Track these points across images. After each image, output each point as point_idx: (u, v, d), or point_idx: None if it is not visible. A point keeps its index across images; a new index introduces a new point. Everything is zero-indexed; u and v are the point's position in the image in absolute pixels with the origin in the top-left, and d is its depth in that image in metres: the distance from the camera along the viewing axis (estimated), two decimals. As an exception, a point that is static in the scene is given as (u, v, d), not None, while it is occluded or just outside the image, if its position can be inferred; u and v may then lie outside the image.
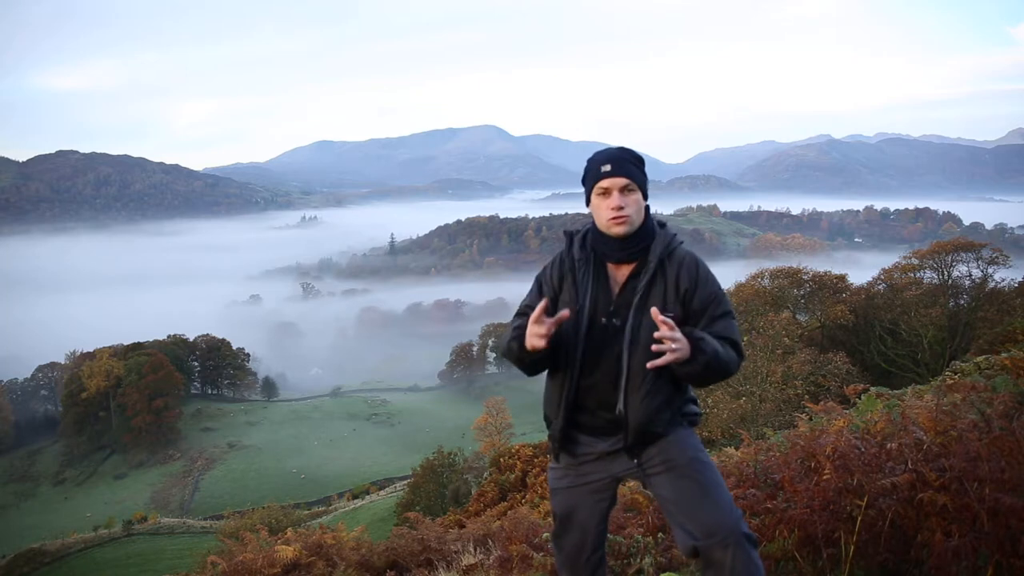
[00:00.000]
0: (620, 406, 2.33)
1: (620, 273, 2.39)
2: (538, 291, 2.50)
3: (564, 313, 2.27)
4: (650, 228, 2.39)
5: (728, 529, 2.24)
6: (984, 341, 16.57)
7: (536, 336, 2.24)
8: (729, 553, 2.23)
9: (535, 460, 20.40)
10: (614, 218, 2.32)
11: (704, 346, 2.19)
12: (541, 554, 4.28)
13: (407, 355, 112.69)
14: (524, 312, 2.49)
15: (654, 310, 2.19)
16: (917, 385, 7.86)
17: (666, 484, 2.36)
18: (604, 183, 2.34)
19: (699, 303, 2.31)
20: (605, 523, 2.56)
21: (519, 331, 2.34)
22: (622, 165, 2.33)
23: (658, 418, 2.33)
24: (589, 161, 2.42)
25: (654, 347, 2.19)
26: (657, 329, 2.25)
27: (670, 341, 2.15)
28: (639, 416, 2.32)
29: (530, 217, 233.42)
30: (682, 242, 2.42)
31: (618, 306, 2.35)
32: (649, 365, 2.20)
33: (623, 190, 2.33)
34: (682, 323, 2.31)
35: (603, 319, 2.35)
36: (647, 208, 2.41)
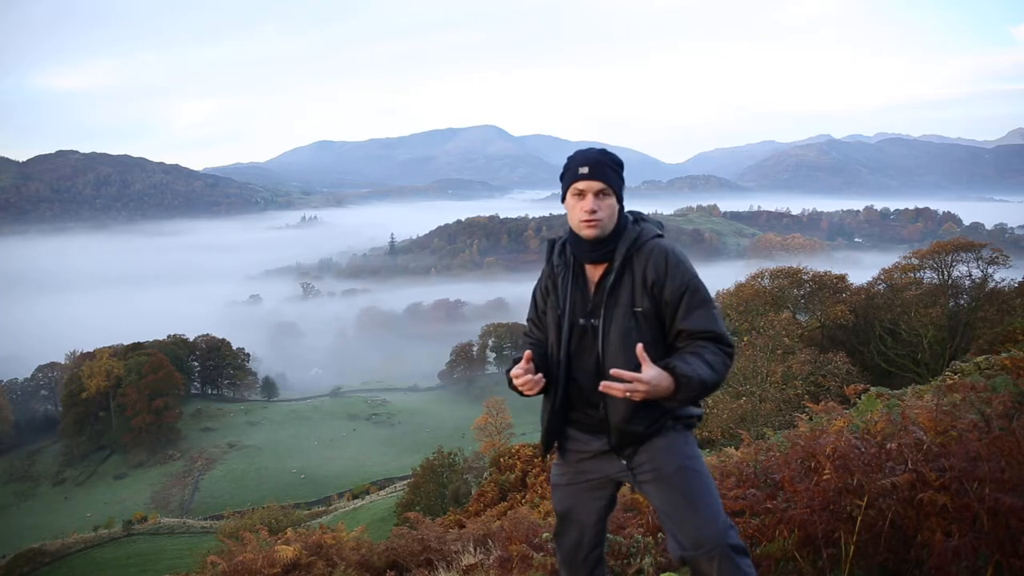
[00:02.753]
0: (601, 406, 2.36)
1: (595, 273, 2.41)
2: (533, 304, 2.59)
3: (527, 354, 2.34)
4: (622, 228, 2.39)
5: (714, 541, 2.24)
6: (984, 341, 16.58)
7: (523, 385, 2.33)
8: (715, 565, 2.23)
9: (535, 460, 20.39)
10: (586, 221, 2.33)
11: (687, 384, 2.14)
12: (541, 554, 4.28)
13: (407, 355, 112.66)
14: (527, 329, 2.62)
15: (639, 347, 2.16)
16: (917, 385, 7.86)
17: (655, 493, 2.37)
18: (580, 185, 2.34)
19: (670, 294, 2.28)
20: (603, 522, 2.57)
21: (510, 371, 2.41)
22: (600, 169, 2.33)
23: (638, 417, 2.32)
24: (568, 159, 2.43)
25: (602, 385, 2.17)
26: (625, 326, 2.29)
27: (628, 386, 2.11)
28: (619, 415, 2.32)
29: (530, 217, 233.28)
30: (656, 236, 2.39)
31: (594, 306, 2.38)
32: (602, 387, 2.17)
33: (598, 194, 2.33)
34: (655, 317, 2.31)
35: (581, 320, 2.39)
36: (621, 210, 2.41)
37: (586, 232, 2.34)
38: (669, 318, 2.30)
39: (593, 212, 2.32)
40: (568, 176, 2.39)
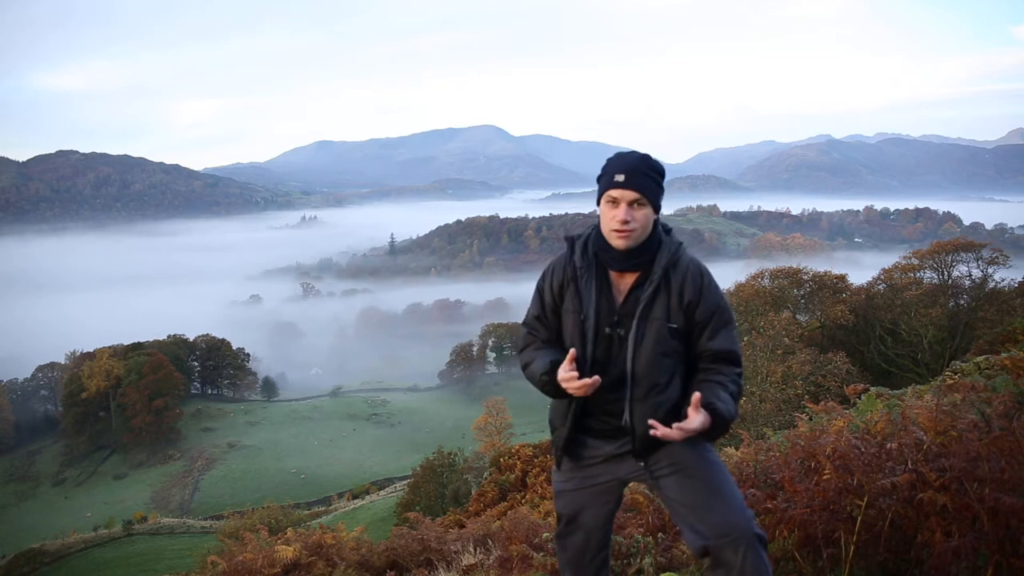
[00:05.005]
0: (626, 416, 2.33)
1: (623, 282, 2.35)
2: (539, 301, 2.47)
3: (572, 353, 2.27)
4: (656, 238, 2.34)
5: (741, 529, 2.23)
6: (984, 341, 16.56)
7: (577, 389, 2.24)
8: (740, 553, 2.21)
9: (535, 460, 20.41)
10: (617, 231, 2.27)
11: (721, 419, 2.21)
12: (541, 554, 4.27)
13: (407, 355, 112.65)
14: (532, 326, 2.49)
15: (696, 396, 2.20)
16: (917, 385, 7.84)
17: (674, 485, 2.35)
18: (614, 193, 2.27)
19: (702, 315, 2.29)
20: (610, 524, 2.57)
21: (550, 376, 2.31)
22: (637, 178, 2.26)
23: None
24: (608, 161, 2.36)
25: (659, 433, 2.22)
26: (659, 340, 2.27)
27: (676, 434, 2.19)
28: (645, 425, 2.30)
29: (530, 217, 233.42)
30: (687, 251, 2.38)
31: (622, 316, 2.32)
32: (659, 434, 2.23)
33: (632, 204, 2.26)
34: (685, 333, 2.31)
35: (607, 329, 2.32)
36: (656, 220, 2.35)
37: (617, 243, 2.28)
38: (696, 336, 2.31)
39: (625, 223, 2.25)
40: (603, 181, 2.32)
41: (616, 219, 2.26)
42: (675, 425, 2.19)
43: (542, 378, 2.32)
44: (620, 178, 2.26)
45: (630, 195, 2.25)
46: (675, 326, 2.27)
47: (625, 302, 2.32)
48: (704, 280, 2.31)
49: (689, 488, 2.32)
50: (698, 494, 2.30)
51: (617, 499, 2.54)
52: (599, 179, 2.35)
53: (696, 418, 2.17)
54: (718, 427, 2.21)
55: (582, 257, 2.38)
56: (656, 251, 2.32)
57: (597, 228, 2.39)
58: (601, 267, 2.36)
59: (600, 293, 2.34)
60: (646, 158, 2.32)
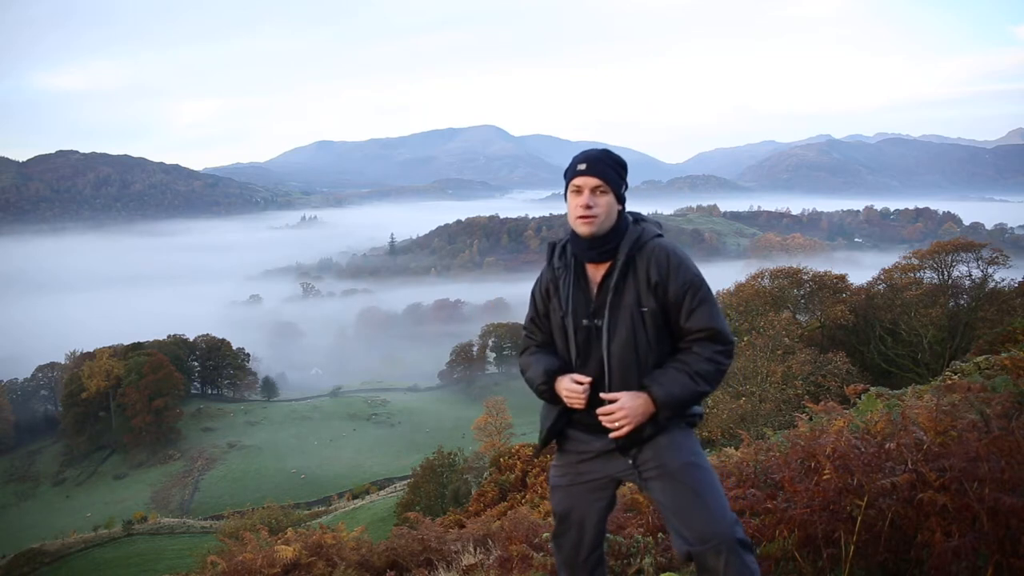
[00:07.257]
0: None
1: (597, 274, 2.42)
2: (533, 305, 2.59)
3: (589, 381, 2.39)
4: (622, 227, 2.40)
5: (721, 536, 2.26)
6: (984, 341, 16.56)
7: (574, 401, 2.40)
8: (722, 559, 2.25)
9: (535, 460, 20.39)
10: (581, 216, 2.35)
11: (664, 405, 2.30)
12: (541, 554, 4.27)
13: (407, 355, 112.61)
14: (529, 329, 2.60)
15: (602, 395, 2.35)
16: (917, 385, 7.85)
17: (661, 489, 2.37)
18: (577, 181, 2.37)
19: (674, 294, 2.32)
20: (603, 523, 2.57)
21: (547, 383, 2.45)
22: (597, 166, 2.36)
23: (647, 422, 2.34)
24: (573, 158, 2.46)
25: (602, 419, 2.34)
26: (632, 325, 2.32)
27: (617, 418, 2.30)
28: None
29: (530, 217, 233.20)
30: (657, 235, 2.41)
31: (597, 307, 2.39)
32: (611, 436, 2.35)
33: (594, 190, 2.35)
34: (662, 316, 2.35)
35: (584, 321, 2.39)
36: (622, 211, 2.43)
37: (582, 228, 2.36)
38: (674, 317, 2.33)
39: (588, 208, 2.33)
40: (568, 173, 2.42)
41: (579, 205, 2.35)
42: (602, 395, 2.34)
43: (539, 388, 2.47)
44: (582, 167, 2.37)
45: (592, 181, 2.35)
46: (646, 309, 2.31)
47: (599, 293, 2.39)
48: (671, 260, 2.34)
49: (673, 493, 2.34)
50: (682, 499, 2.33)
51: (610, 498, 2.56)
52: (565, 174, 2.45)
53: (623, 399, 2.29)
54: (665, 407, 2.29)
55: (560, 259, 2.49)
56: (622, 240, 2.39)
57: (574, 231, 2.47)
58: (579, 264, 2.45)
59: (576, 287, 2.43)
60: (607, 151, 2.44)
